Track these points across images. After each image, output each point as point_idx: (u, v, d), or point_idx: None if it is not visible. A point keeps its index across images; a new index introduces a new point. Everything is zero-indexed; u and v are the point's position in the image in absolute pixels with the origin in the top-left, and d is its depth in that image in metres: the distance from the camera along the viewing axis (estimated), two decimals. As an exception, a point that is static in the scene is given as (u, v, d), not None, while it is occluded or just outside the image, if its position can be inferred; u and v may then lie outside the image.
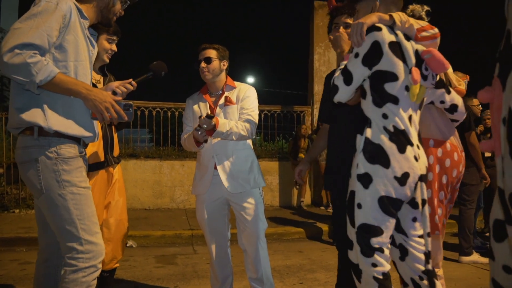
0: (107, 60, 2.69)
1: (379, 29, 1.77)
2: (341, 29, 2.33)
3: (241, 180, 2.63)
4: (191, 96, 2.89)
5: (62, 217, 1.71)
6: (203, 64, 2.67)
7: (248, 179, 2.65)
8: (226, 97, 2.70)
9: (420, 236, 1.86)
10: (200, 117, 2.51)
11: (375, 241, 1.77)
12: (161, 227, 5.57)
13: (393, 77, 1.76)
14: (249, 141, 2.79)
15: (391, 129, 1.75)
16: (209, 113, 2.56)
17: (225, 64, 2.75)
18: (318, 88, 8.23)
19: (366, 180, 1.76)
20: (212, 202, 2.71)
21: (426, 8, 2.38)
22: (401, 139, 1.75)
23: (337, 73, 1.87)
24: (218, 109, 2.69)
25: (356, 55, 1.80)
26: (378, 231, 1.76)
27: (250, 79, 24.94)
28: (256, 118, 2.69)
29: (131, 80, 2.05)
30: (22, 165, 1.74)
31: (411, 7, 2.37)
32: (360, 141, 1.81)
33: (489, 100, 1.12)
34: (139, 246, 4.95)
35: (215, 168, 2.66)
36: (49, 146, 1.70)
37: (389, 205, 1.74)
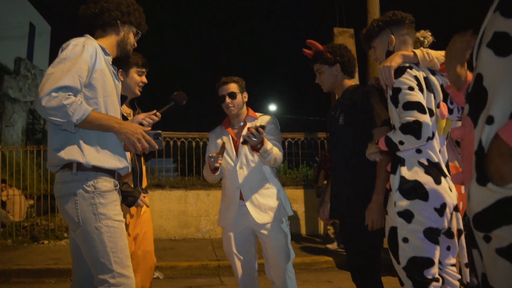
0: (139, 93, 2.67)
1: (410, 67, 1.81)
2: (317, 77, 2.50)
3: (268, 210, 2.61)
4: (213, 130, 2.92)
5: (97, 249, 1.75)
6: (228, 100, 2.70)
7: (274, 209, 2.62)
8: (248, 128, 2.70)
9: (453, 265, 1.89)
10: (249, 128, 2.45)
11: (429, 272, 1.74)
12: (187, 258, 5.54)
13: (430, 111, 1.77)
14: (274, 170, 2.78)
15: (425, 163, 1.77)
16: (258, 126, 2.47)
17: (246, 96, 2.78)
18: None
19: (407, 216, 1.74)
20: (239, 233, 2.68)
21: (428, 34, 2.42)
22: (435, 171, 1.76)
23: (404, 116, 1.71)
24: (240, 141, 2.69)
25: (411, 88, 1.74)
26: (429, 262, 1.74)
27: (272, 107, 25.10)
28: (281, 147, 2.69)
29: (155, 111, 2.13)
30: (61, 199, 1.81)
31: (420, 34, 2.39)
32: (394, 180, 1.80)
33: (460, 137, 1.25)
34: (166, 277, 4.92)
35: (241, 199, 2.65)
36: (87, 180, 1.79)
37: (433, 234, 1.74)
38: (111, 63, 1.99)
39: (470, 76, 1.55)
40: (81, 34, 1.94)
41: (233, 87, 2.71)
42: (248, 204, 2.62)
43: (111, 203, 1.82)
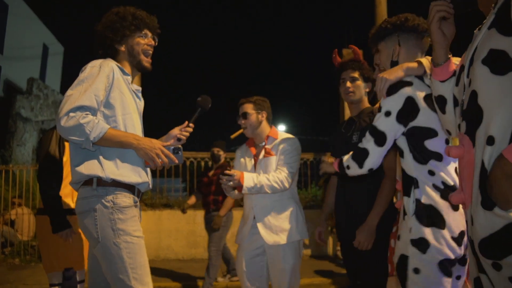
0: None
1: (410, 83, 1.64)
2: (348, 83, 2.44)
3: (280, 232, 2.58)
4: (240, 147, 2.96)
5: (116, 265, 1.75)
6: (240, 120, 2.74)
7: (287, 231, 2.58)
8: (265, 149, 2.71)
9: None
10: (222, 175, 2.55)
11: None
12: (195, 278, 5.48)
13: (433, 133, 1.63)
14: (294, 191, 2.74)
15: (441, 186, 1.60)
16: (228, 170, 2.59)
17: (263, 115, 2.76)
18: (350, 134, 8.17)
19: (422, 245, 1.58)
20: (251, 252, 2.66)
21: None
22: None
23: (363, 140, 1.71)
24: (259, 161, 2.72)
25: (388, 114, 1.65)
26: None
27: (281, 127, 25.14)
28: (289, 171, 2.61)
29: (186, 122, 2.14)
30: (81, 215, 1.83)
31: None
32: (409, 204, 1.63)
33: (459, 156, 1.19)
34: (173, 298, 4.86)
35: (254, 219, 2.64)
36: (106, 195, 1.80)
37: (448, 266, 1.59)
38: (130, 82, 2.01)
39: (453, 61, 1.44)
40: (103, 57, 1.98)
41: (247, 107, 2.74)
42: (259, 224, 2.60)
43: (130, 218, 1.82)
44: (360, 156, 1.70)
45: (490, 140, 1.04)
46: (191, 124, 2.14)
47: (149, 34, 2.07)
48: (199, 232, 7.33)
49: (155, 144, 1.84)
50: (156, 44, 2.12)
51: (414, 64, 1.68)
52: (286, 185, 2.58)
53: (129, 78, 2.01)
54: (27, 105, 12.51)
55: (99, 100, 1.79)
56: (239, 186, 2.52)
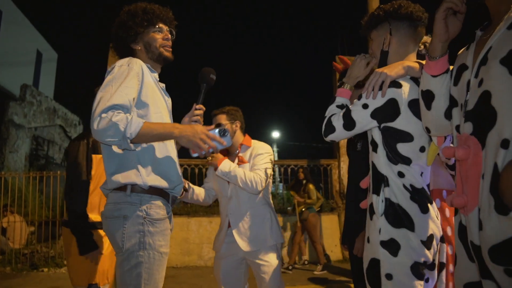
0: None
1: (399, 85, 1.57)
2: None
3: (256, 238, 2.62)
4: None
5: (131, 276, 1.66)
6: None
7: (263, 237, 2.63)
8: (238, 157, 2.75)
9: None
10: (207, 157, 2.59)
11: None
12: (189, 286, 5.45)
13: (409, 137, 1.57)
14: (268, 197, 2.79)
15: (410, 188, 1.55)
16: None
17: (237, 125, 2.81)
18: (344, 141, 8.19)
19: (392, 247, 1.52)
20: (228, 259, 2.69)
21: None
22: (421, 198, 1.55)
23: (336, 114, 1.69)
24: None
25: (365, 106, 1.60)
26: None
27: (276, 134, 25.19)
28: (263, 174, 2.66)
29: (194, 105, 2.04)
30: (109, 220, 1.72)
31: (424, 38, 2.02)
32: (378, 203, 1.57)
33: (466, 157, 1.14)
34: (167, 307, 4.82)
35: (229, 226, 2.67)
36: (140, 204, 1.70)
37: (420, 269, 1.53)
38: (157, 79, 1.92)
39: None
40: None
41: (220, 118, 2.77)
42: (234, 232, 2.64)
43: (160, 232, 1.72)
44: (328, 128, 1.69)
45: (505, 143, 1.01)
46: (199, 106, 2.03)
47: (164, 28, 1.95)
48: (193, 240, 7.30)
49: (198, 129, 1.68)
50: (174, 37, 1.99)
51: (416, 65, 1.62)
52: (259, 188, 2.61)
53: (156, 75, 1.91)
54: (20, 112, 12.44)
55: (130, 98, 1.66)
56: (215, 166, 2.60)
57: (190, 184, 2.80)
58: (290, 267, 6.63)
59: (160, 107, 1.83)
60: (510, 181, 0.94)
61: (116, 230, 1.69)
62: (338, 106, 1.75)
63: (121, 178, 1.71)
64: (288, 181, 8.25)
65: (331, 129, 1.68)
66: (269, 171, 2.73)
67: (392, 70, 1.58)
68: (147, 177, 1.72)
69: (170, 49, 1.96)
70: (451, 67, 1.41)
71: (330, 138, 1.71)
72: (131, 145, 1.60)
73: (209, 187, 2.88)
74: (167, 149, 1.83)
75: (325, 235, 7.67)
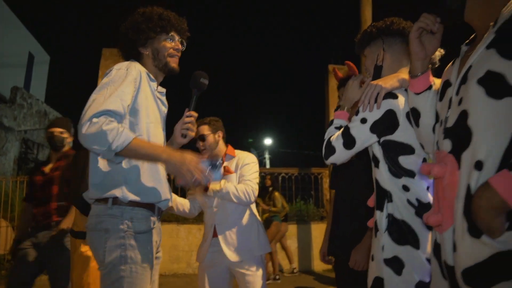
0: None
1: (395, 96, 1.55)
2: None
3: (243, 248, 2.60)
4: None
5: None
6: (199, 143, 2.75)
7: (249, 247, 2.62)
8: (224, 167, 2.73)
9: None
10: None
11: None
12: (176, 295, 5.38)
13: (410, 150, 1.54)
14: (253, 207, 2.78)
15: (415, 203, 1.50)
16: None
17: (220, 135, 2.80)
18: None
19: (396, 265, 1.47)
20: (213, 271, 2.67)
21: (440, 51, 1.82)
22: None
23: (335, 135, 1.65)
24: None
25: (363, 121, 1.57)
26: None
27: (268, 141, 25.19)
28: (254, 184, 2.68)
29: (186, 110, 1.96)
30: (92, 232, 1.67)
31: None
32: (381, 219, 1.54)
33: (441, 175, 1.12)
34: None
35: (214, 236, 2.65)
36: (122, 217, 1.64)
37: None
38: (156, 88, 1.86)
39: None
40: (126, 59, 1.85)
41: (203, 129, 2.75)
42: (221, 241, 2.62)
43: (143, 246, 1.66)
44: (328, 150, 1.64)
45: (479, 165, 1.00)
46: (190, 112, 1.95)
47: (177, 37, 1.91)
48: (182, 247, 7.24)
49: (188, 158, 1.59)
50: (184, 48, 1.95)
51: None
52: (253, 199, 2.64)
53: (155, 84, 1.85)
54: (10, 114, 12.30)
55: (125, 105, 1.60)
56: (205, 188, 2.56)
57: (178, 199, 2.78)
58: (277, 277, 6.57)
59: (151, 116, 1.77)
60: (482, 204, 0.92)
61: (98, 243, 1.64)
62: (336, 128, 1.72)
63: (103, 189, 1.66)
64: (279, 189, 8.23)
65: (331, 150, 1.64)
66: (258, 180, 2.74)
67: (387, 82, 1.57)
68: (130, 190, 1.66)
69: (177, 61, 1.92)
70: (438, 82, 1.40)
71: (331, 160, 1.65)
72: (114, 157, 1.54)
73: (193, 198, 2.85)
74: (157, 167, 1.77)
75: (314, 244, 7.65)
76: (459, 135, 1.09)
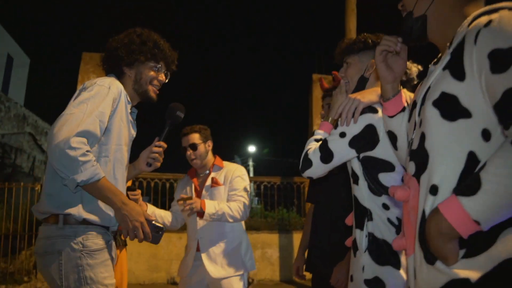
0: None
1: (375, 110, 1.51)
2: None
3: (225, 264, 2.51)
4: (182, 179, 2.87)
5: None
6: (189, 151, 2.63)
7: (232, 264, 2.52)
8: (212, 178, 2.64)
9: None
10: (178, 200, 2.46)
11: None
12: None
13: (390, 167, 1.51)
14: (241, 223, 2.69)
15: (396, 222, 1.47)
16: (185, 196, 2.49)
17: (210, 145, 2.71)
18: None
19: (377, 286, 1.44)
20: (194, 285, 2.58)
21: (418, 67, 1.87)
22: None
23: (312, 147, 1.61)
24: (204, 191, 2.63)
25: (342, 135, 1.53)
26: None
27: (252, 148, 25.17)
28: (247, 199, 2.60)
29: (156, 139, 1.95)
30: (43, 257, 1.58)
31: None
32: (361, 238, 1.49)
33: (405, 199, 1.10)
34: (130, 328, 4.63)
35: (198, 250, 2.56)
36: (75, 237, 1.56)
37: None
38: (130, 111, 1.82)
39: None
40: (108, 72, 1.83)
41: (194, 137, 2.64)
42: (204, 256, 2.52)
43: (101, 264, 1.58)
44: (305, 164, 1.60)
45: (433, 190, 0.97)
46: (161, 143, 1.93)
47: (163, 69, 1.91)
48: (161, 256, 7.10)
49: (139, 215, 1.60)
50: (166, 82, 1.94)
51: None
52: (247, 215, 2.56)
53: (130, 106, 1.82)
54: (-13, 118, 12.01)
55: (103, 127, 1.59)
56: (200, 213, 2.43)
57: (157, 211, 2.64)
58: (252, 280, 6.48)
59: (122, 139, 1.75)
60: (431, 231, 0.90)
61: (52, 268, 1.55)
62: (316, 140, 1.67)
63: (55, 203, 1.58)
64: (261, 197, 8.20)
65: (308, 163, 1.59)
66: (248, 194, 2.66)
67: (365, 96, 1.53)
68: (84, 209, 1.59)
69: (157, 91, 1.91)
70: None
71: (307, 174, 1.61)
72: (73, 188, 1.50)
73: (176, 210, 2.73)
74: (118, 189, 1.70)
75: (296, 253, 7.60)
76: (419, 158, 1.07)
